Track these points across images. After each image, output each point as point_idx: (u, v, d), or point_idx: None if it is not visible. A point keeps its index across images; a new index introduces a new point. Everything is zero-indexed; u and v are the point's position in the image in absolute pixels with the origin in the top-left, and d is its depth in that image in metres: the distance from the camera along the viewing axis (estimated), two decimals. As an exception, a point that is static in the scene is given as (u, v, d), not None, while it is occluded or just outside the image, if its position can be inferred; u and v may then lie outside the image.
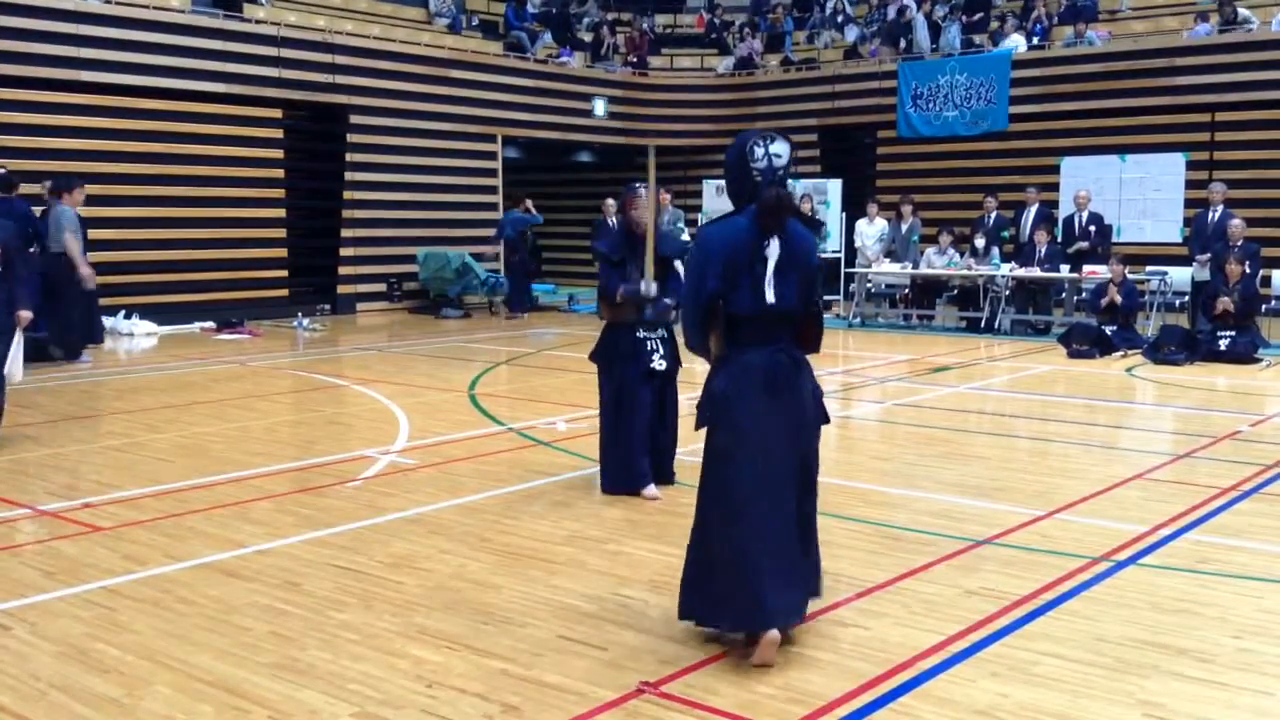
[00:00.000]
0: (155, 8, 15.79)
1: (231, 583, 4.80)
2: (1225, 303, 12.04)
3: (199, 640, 4.15)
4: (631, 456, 6.21)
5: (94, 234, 14.36)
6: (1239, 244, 12.73)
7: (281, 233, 17.37)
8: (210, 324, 15.48)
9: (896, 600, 4.55)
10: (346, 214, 17.96)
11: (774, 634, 3.83)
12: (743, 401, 4.03)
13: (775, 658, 3.86)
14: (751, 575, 3.86)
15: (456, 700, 3.63)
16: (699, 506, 4.19)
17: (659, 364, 6.22)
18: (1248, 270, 12.39)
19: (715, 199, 18.66)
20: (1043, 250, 14.61)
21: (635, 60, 22.53)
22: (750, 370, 4.05)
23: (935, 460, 7.29)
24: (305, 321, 15.79)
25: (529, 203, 18.22)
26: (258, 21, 17.09)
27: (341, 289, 18.02)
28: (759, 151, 4.24)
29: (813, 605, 4.23)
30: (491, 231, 18.71)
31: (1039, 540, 5.42)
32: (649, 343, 6.24)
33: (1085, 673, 3.83)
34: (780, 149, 4.25)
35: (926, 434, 8.03)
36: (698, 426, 4.22)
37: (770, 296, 4.04)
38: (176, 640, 4.14)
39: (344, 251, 17.98)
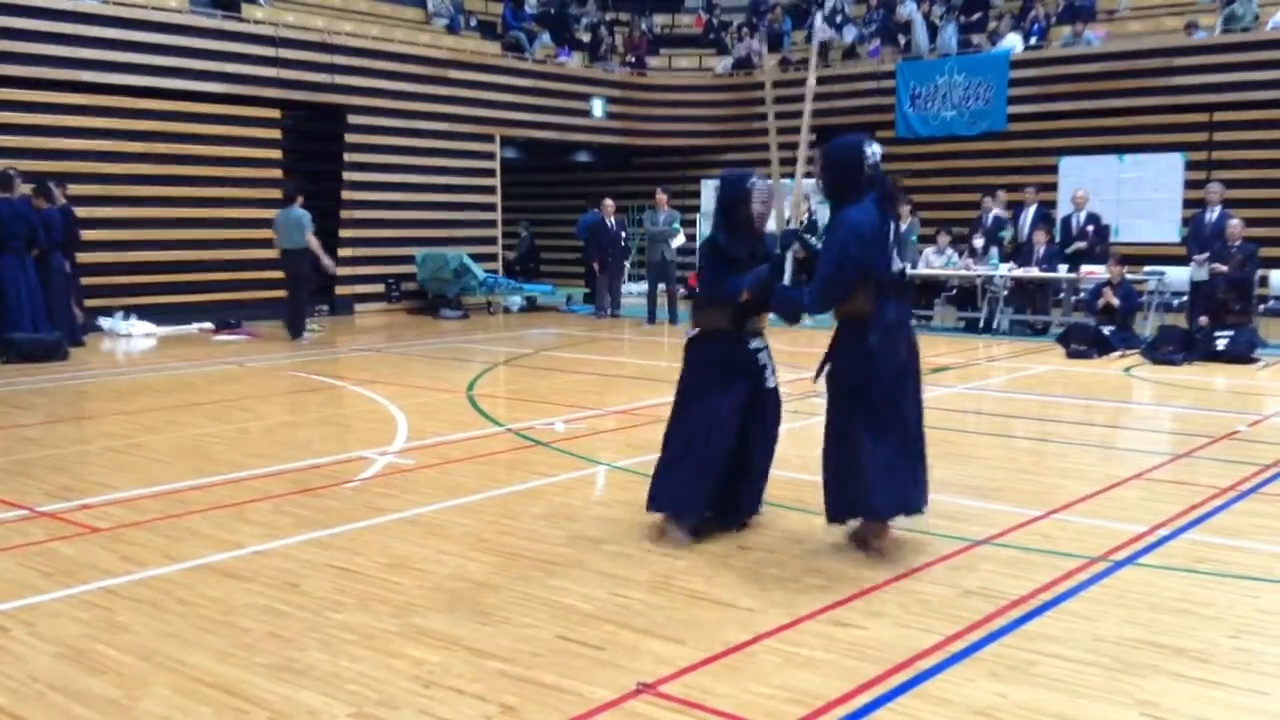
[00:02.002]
0: (153, 8, 15.79)
1: (230, 583, 4.80)
2: (1217, 267, 12.07)
3: (197, 641, 4.15)
4: (701, 481, 5.41)
5: (92, 234, 14.41)
6: (1237, 244, 12.74)
7: (280, 233, 17.35)
8: (208, 325, 15.48)
9: (895, 600, 4.56)
10: (345, 214, 17.96)
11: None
12: (894, 352, 5.11)
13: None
14: (914, 471, 5.24)
15: (454, 701, 3.63)
16: (858, 428, 5.15)
17: (770, 380, 5.70)
18: (1245, 270, 12.42)
19: (714, 198, 18.65)
20: (1041, 250, 14.62)
21: (633, 60, 22.54)
22: (891, 328, 5.09)
23: (933, 460, 7.24)
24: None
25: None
26: (256, 22, 17.09)
27: (340, 290, 18.02)
28: (869, 150, 5.20)
29: (809, 604, 4.22)
30: (488, 232, 18.68)
31: (1037, 540, 5.42)
32: (761, 356, 5.67)
33: (1083, 672, 3.83)
34: (878, 149, 5.29)
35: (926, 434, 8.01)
36: (857, 388, 5.15)
37: (896, 263, 5.14)
38: (175, 641, 4.14)
39: (342, 252, 17.96)
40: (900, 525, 5.62)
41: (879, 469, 5.05)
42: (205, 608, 4.50)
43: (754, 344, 5.65)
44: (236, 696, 3.67)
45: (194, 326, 15.44)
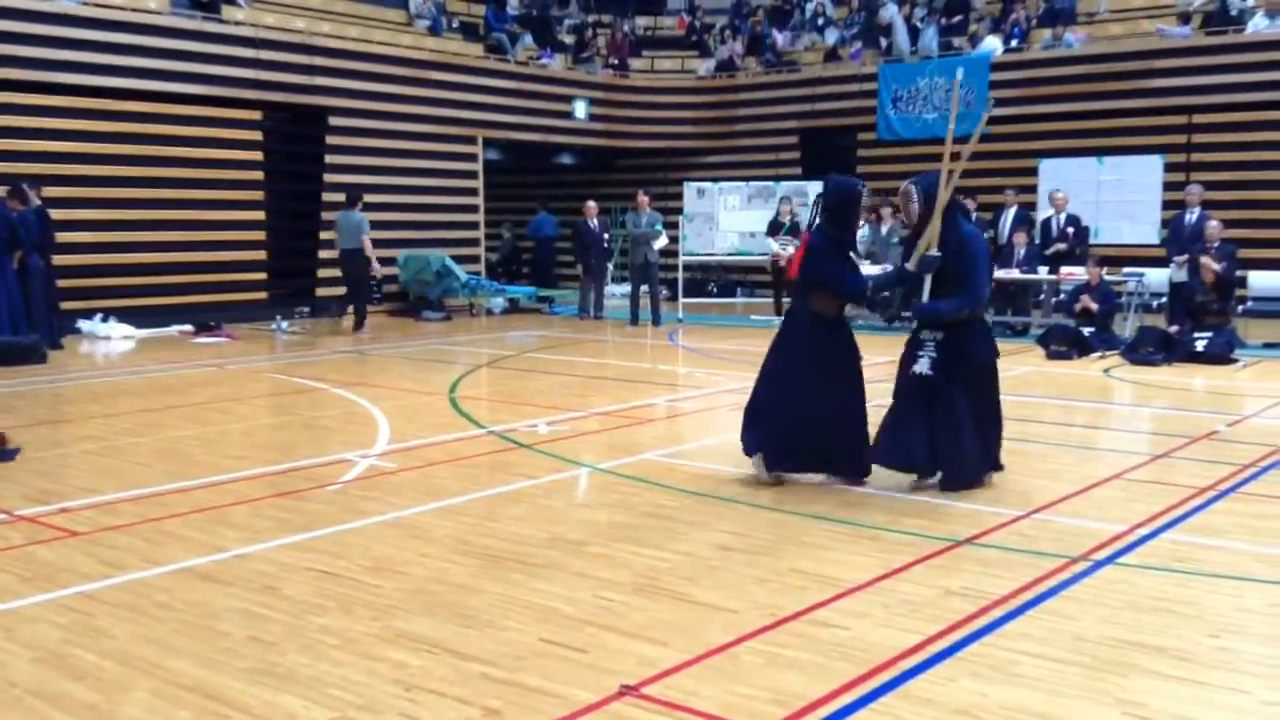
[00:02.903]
0: (132, 9, 15.71)
1: (210, 587, 4.77)
2: (1209, 263, 12.12)
3: (177, 645, 4.12)
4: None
5: (71, 236, 14.34)
6: (1216, 245, 12.82)
7: (260, 235, 17.30)
8: (188, 327, 15.39)
9: (877, 600, 4.56)
10: (326, 216, 17.89)
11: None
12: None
13: None
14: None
15: (436, 704, 3.62)
16: (991, 401, 6.50)
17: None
18: (1223, 271, 12.50)
19: (696, 201, 18.66)
20: (1021, 252, 14.68)
21: (616, 62, 22.54)
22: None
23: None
24: (284, 324, 15.71)
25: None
26: (236, 23, 17.02)
27: (320, 291, 17.96)
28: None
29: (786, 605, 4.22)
30: (470, 233, 18.65)
31: (1018, 540, 5.44)
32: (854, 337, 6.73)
33: (1064, 672, 3.84)
34: None
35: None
36: (981, 364, 6.48)
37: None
38: (154, 645, 4.12)
39: (323, 254, 17.91)
40: (881, 525, 5.65)
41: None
42: (185, 612, 4.48)
43: (849, 328, 6.75)
44: (216, 701, 3.65)
45: (173, 329, 15.35)
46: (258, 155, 17.21)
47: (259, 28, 17.04)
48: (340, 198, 17.82)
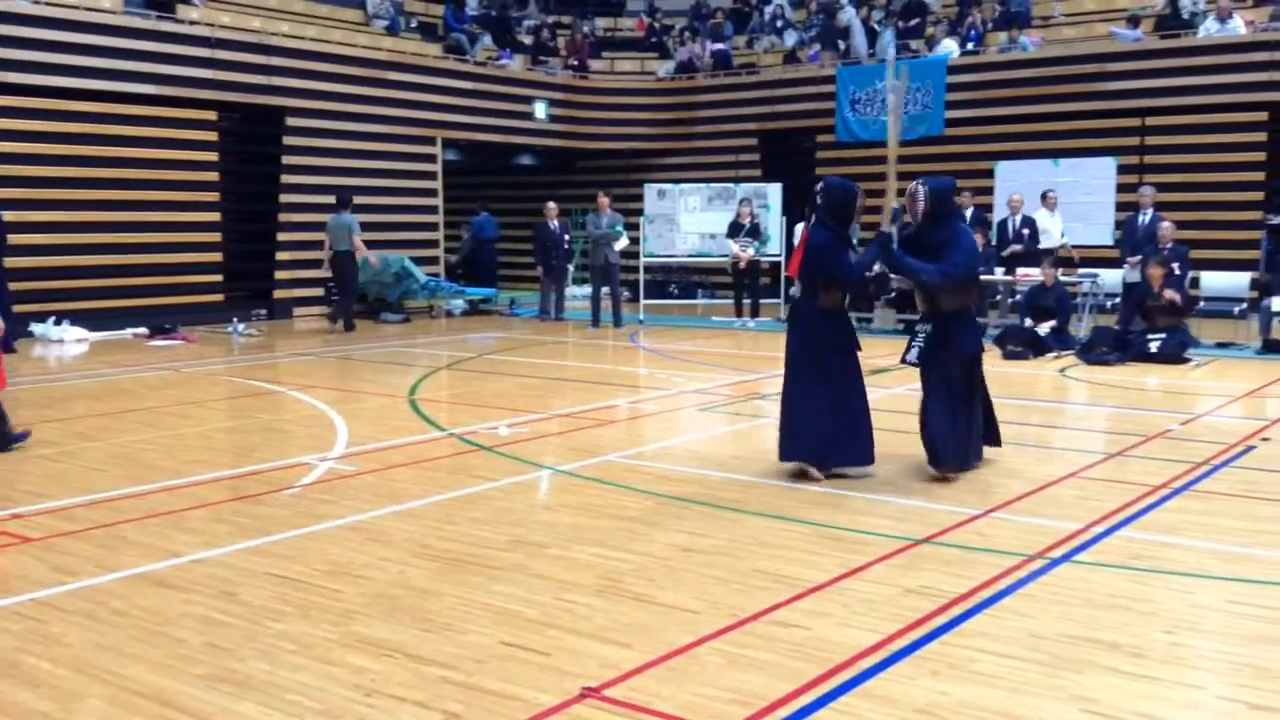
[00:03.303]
0: (86, 9, 15.50)
1: (166, 593, 4.71)
2: (1171, 294, 12.27)
3: (133, 652, 4.07)
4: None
5: (24, 238, 14.13)
6: (1169, 246, 13.00)
7: (216, 236, 17.13)
8: (143, 330, 15.21)
9: (837, 600, 4.59)
10: (283, 217, 17.75)
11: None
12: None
13: None
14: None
15: (396, 709, 3.60)
16: (974, 389, 7.04)
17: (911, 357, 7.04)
18: (1176, 272, 12.66)
19: (656, 202, 18.67)
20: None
21: (576, 63, 22.51)
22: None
23: (875, 461, 7.35)
24: (241, 326, 15.56)
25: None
26: (191, 23, 16.84)
27: (278, 293, 17.81)
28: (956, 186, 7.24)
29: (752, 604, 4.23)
30: (430, 234, 18.54)
31: (976, 539, 5.49)
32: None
33: (1022, 669, 3.88)
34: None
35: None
36: (966, 355, 6.98)
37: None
38: (109, 653, 4.06)
39: (280, 255, 17.77)
40: (841, 525, 5.68)
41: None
42: (141, 618, 4.42)
43: (852, 319, 7.24)
44: (172, 708, 3.60)
45: (128, 332, 15.17)
46: (213, 156, 17.03)
47: (215, 27, 16.86)
48: (298, 199, 17.76)
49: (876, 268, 7.18)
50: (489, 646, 4.11)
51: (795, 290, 7.64)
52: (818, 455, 6.77)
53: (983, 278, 14.59)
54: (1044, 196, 15.68)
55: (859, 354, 6.99)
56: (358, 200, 18.41)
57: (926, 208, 6.94)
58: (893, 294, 15.45)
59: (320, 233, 17.99)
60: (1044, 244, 15.12)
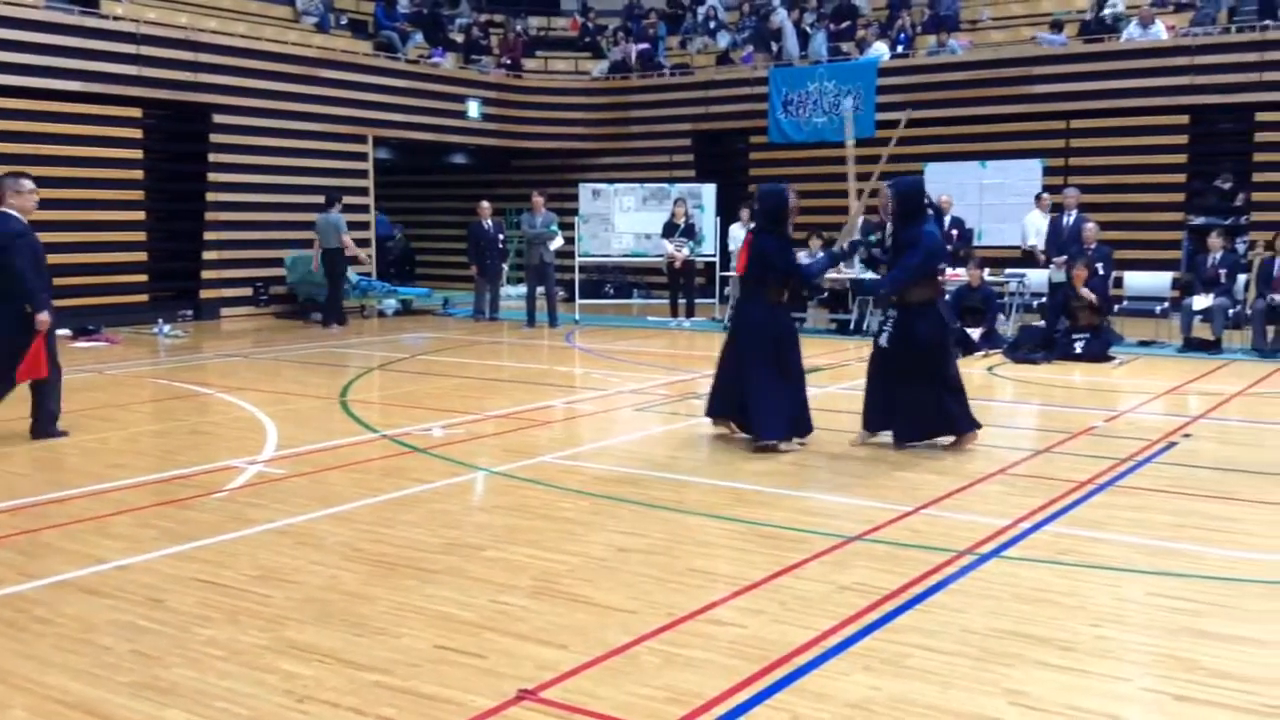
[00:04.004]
0: (7, 3, 15.09)
1: (91, 600, 4.61)
2: (1088, 294, 12.52)
3: (57, 661, 3.97)
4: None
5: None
6: (1093, 247, 13.27)
7: (141, 235, 16.78)
8: (66, 331, 14.80)
9: (773, 598, 4.62)
10: (210, 216, 17.44)
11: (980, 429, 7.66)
12: (949, 326, 7.85)
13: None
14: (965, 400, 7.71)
15: (329, 715, 3.55)
16: (948, 377, 7.61)
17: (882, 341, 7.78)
18: (1100, 272, 12.93)
19: (591, 202, 18.65)
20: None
21: (509, 62, 22.41)
22: (944, 306, 7.90)
23: (808, 459, 7.42)
24: (166, 327, 15.27)
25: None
26: (116, 18, 16.49)
27: (205, 294, 17.49)
28: (924, 187, 8.05)
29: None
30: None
31: (907, 535, 5.56)
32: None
33: (954, 664, 3.93)
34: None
35: (800, 434, 8.16)
36: (939, 344, 7.62)
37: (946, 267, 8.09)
38: (33, 661, 3.96)
39: (207, 255, 17.46)
40: (776, 523, 5.72)
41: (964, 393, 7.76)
42: (64, 626, 4.32)
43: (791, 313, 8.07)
44: (98, 717, 3.52)
45: (50, 333, 14.80)
46: (138, 154, 16.68)
47: (140, 23, 16.52)
48: (226, 197, 17.49)
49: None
50: (423, 650, 4.07)
51: (735, 290, 8.49)
52: (790, 432, 7.62)
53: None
54: (1038, 198, 15.98)
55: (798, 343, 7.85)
56: (287, 199, 18.23)
57: (894, 208, 7.65)
58: (824, 294, 15.63)
59: (248, 231, 17.79)
60: (1035, 243, 15.38)
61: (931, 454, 7.54)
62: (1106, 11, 18.51)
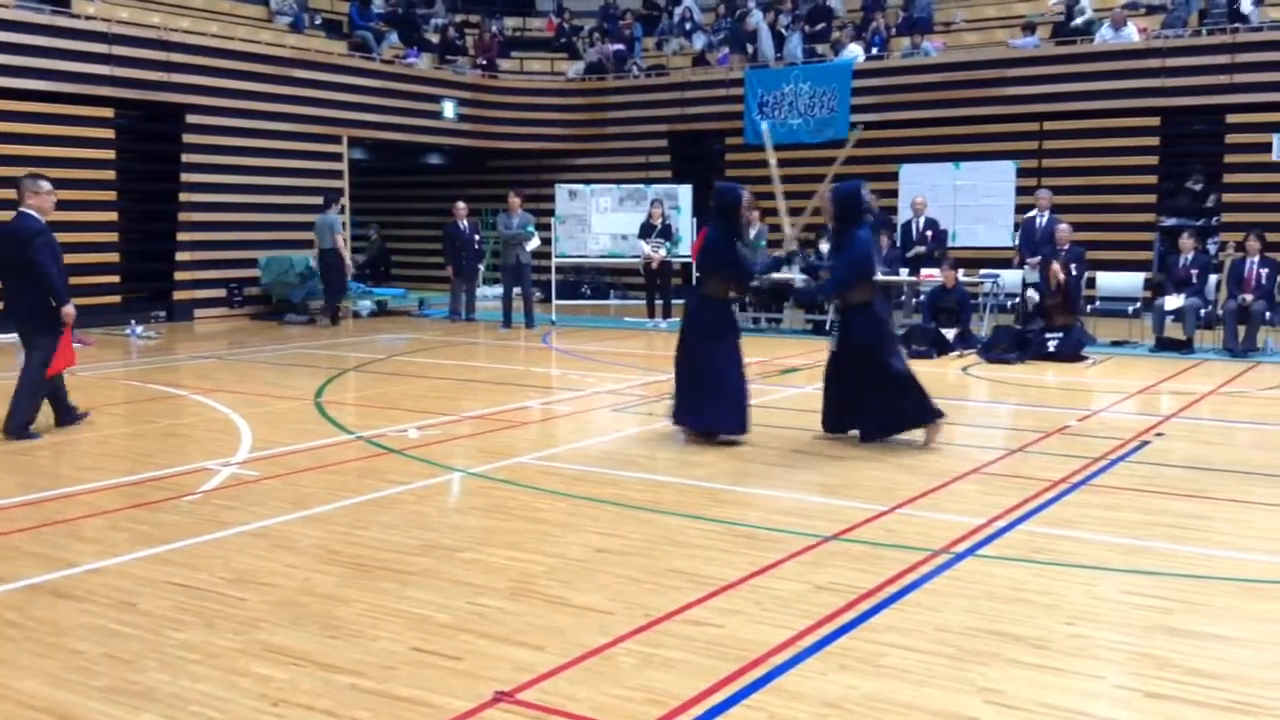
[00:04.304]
0: (-26, 1, 14.96)
1: (62, 604, 4.57)
2: (1056, 270, 12.60)
3: (28, 665, 3.93)
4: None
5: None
6: (1066, 247, 13.36)
7: (113, 236, 16.64)
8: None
9: (749, 597, 4.62)
10: (183, 217, 17.32)
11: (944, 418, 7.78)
12: (887, 325, 8.03)
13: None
14: (924, 392, 7.74)
15: (303, 718, 3.53)
16: (891, 375, 7.68)
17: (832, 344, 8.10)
18: (1073, 271, 13.02)
19: (568, 202, 18.64)
20: (883, 254, 15.03)
21: (485, 63, 22.36)
22: (882, 307, 8.06)
23: (785, 459, 7.44)
24: (139, 329, 15.15)
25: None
26: (87, 17, 16.34)
27: (178, 295, 17.38)
28: (864, 192, 8.02)
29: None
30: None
31: (883, 535, 5.58)
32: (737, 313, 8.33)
33: (929, 662, 3.95)
34: (869, 191, 8.15)
35: (776, 434, 8.18)
36: (875, 343, 7.73)
37: (879, 271, 7.87)
38: (3, 666, 3.92)
39: (180, 256, 17.34)
40: (753, 523, 5.73)
41: (919, 383, 7.82)
42: (35, 630, 4.28)
43: (733, 307, 8.18)
44: (69, 723, 3.49)
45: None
46: (110, 154, 16.55)
47: (112, 23, 16.39)
48: (199, 198, 17.37)
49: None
50: (399, 652, 4.06)
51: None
52: (739, 425, 7.85)
53: (887, 279, 14.89)
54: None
55: (738, 339, 8.02)
56: (261, 200, 18.14)
57: (833, 213, 7.94)
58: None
59: (222, 232, 17.68)
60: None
61: (906, 453, 7.57)
62: (1078, 20, 18.63)
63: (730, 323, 8.02)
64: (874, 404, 7.71)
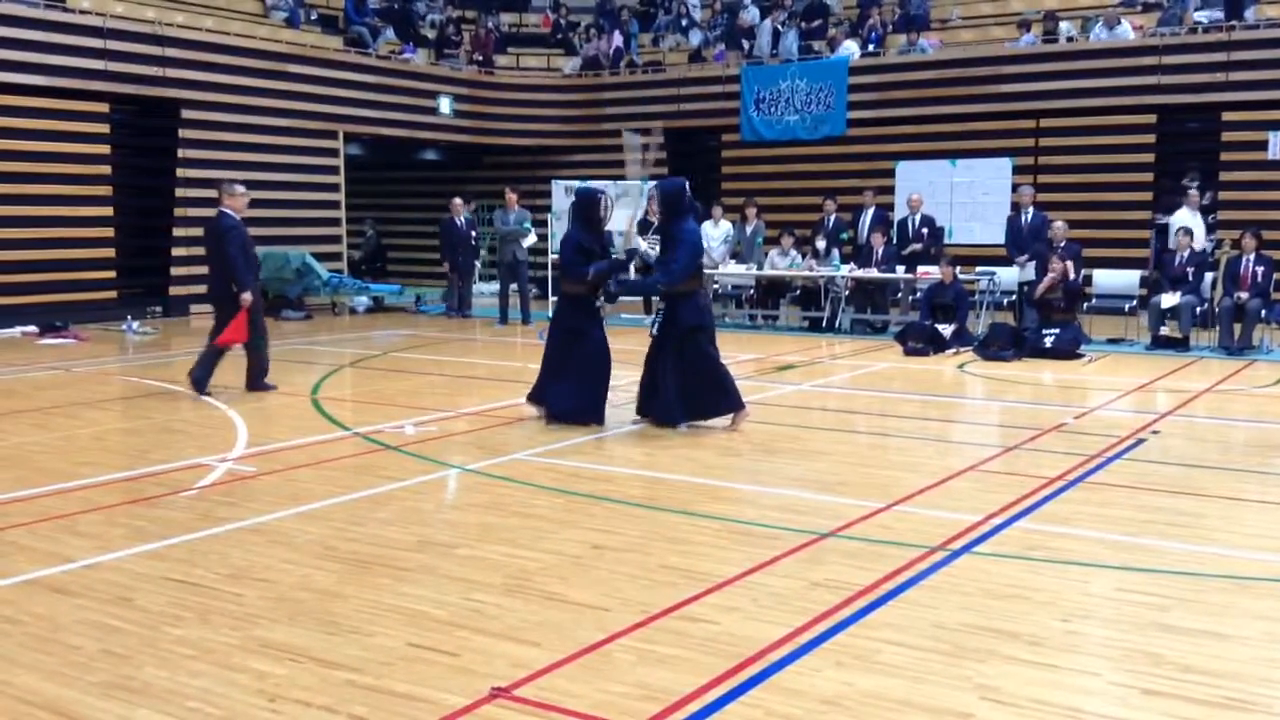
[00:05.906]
0: (-32, -5, 14.93)
1: (59, 599, 4.56)
2: (1055, 265, 12.61)
3: (25, 661, 3.93)
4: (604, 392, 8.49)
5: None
6: (1062, 244, 13.38)
7: (109, 232, 16.63)
8: (33, 328, 14.69)
9: (746, 594, 4.63)
10: (179, 212, 17.29)
11: (748, 408, 8.24)
12: (710, 313, 8.47)
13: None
14: (731, 383, 8.21)
15: (301, 714, 3.53)
16: (695, 363, 8.06)
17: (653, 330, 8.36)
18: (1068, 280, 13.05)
19: (564, 199, 18.61)
20: (879, 252, 15.07)
21: (481, 59, 22.33)
22: (705, 296, 8.51)
23: (781, 456, 7.45)
24: (135, 324, 15.13)
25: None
26: (82, 12, 16.31)
27: (173, 290, 17.35)
28: (687, 189, 8.29)
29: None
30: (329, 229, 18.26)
31: (879, 531, 5.59)
32: (600, 310, 8.56)
33: (925, 659, 3.96)
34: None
35: (772, 431, 8.19)
36: (698, 329, 8.12)
37: (709, 260, 8.63)
38: (0, 661, 3.93)
39: (176, 251, 17.31)
40: (749, 520, 5.73)
41: (728, 376, 8.22)
42: (32, 625, 4.27)
43: (598, 304, 8.44)
44: (67, 717, 3.49)
45: (16, 330, 14.65)
46: (105, 149, 16.53)
47: (106, 17, 16.35)
48: (195, 193, 17.33)
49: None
50: (396, 648, 4.06)
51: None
52: (587, 416, 8.30)
53: (885, 276, 14.94)
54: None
55: (601, 335, 8.36)
56: (257, 195, 17.96)
57: (660, 208, 8.25)
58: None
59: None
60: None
61: (904, 451, 7.58)
62: (1063, 25, 18.66)
63: (590, 317, 8.36)
64: (671, 388, 8.08)
